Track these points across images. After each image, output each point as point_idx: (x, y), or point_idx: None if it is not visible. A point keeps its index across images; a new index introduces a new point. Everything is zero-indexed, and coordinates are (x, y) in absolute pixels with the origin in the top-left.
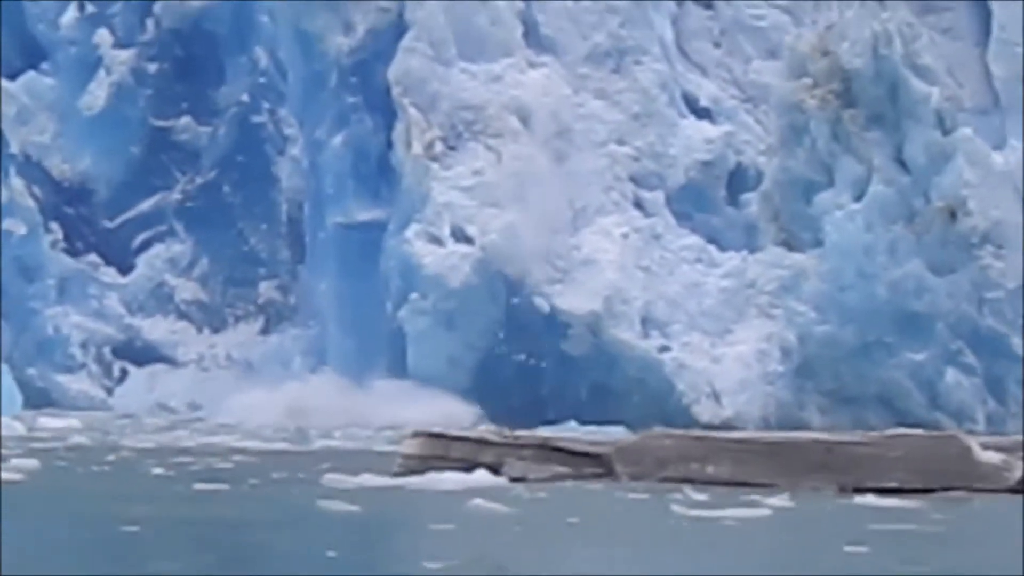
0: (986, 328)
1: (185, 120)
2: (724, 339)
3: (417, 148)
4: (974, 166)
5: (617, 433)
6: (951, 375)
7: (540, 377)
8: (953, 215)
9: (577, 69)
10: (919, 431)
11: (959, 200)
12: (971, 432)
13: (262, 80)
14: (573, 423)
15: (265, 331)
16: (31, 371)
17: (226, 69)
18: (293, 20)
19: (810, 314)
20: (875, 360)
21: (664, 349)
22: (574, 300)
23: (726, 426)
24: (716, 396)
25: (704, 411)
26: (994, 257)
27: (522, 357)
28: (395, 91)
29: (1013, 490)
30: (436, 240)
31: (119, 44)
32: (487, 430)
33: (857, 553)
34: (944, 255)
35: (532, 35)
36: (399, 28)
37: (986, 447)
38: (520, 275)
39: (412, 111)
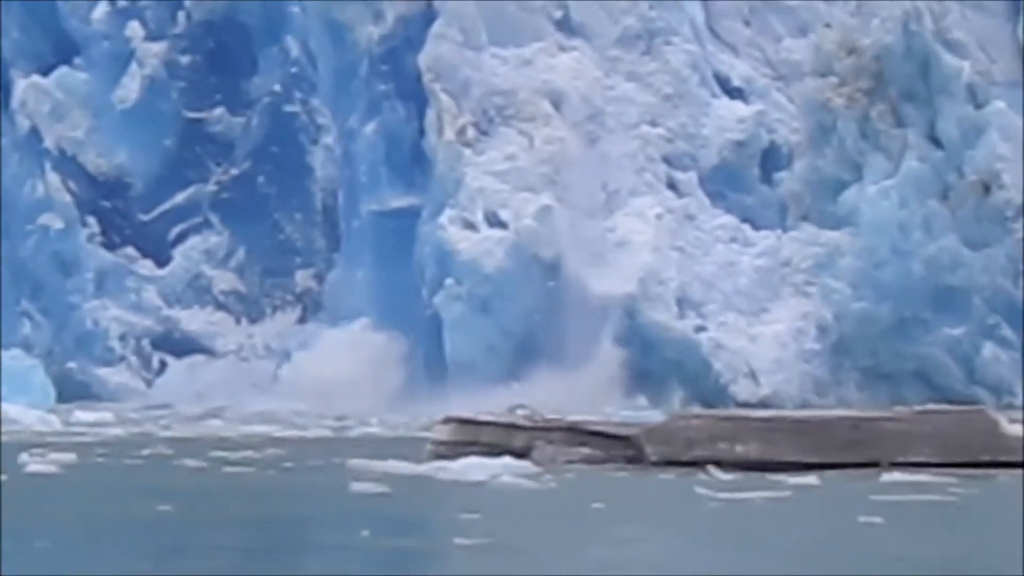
0: (1023, 302)
1: (218, 112)
2: (760, 318)
3: (449, 134)
4: (1007, 140)
5: (655, 416)
6: (988, 349)
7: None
8: (987, 189)
9: (608, 52)
10: (947, 406)
11: (993, 174)
12: (1010, 406)
13: (294, 70)
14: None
15: (302, 320)
16: (71, 365)
17: (258, 60)
18: (323, 10)
19: (846, 291)
20: (912, 336)
21: (700, 329)
22: (610, 283)
23: (763, 405)
24: (753, 375)
25: (741, 390)
26: None
27: (559, 341)
28: (426, 78)
29: None
30: (470, 225)
31: (151, 37)
32: (517, 414)
33: (870, 523)
34: (979, 229)
35: (563, 19)
36: (429, 15)
37: (1013, 421)
38: (555, 259)
39: (444, 97)
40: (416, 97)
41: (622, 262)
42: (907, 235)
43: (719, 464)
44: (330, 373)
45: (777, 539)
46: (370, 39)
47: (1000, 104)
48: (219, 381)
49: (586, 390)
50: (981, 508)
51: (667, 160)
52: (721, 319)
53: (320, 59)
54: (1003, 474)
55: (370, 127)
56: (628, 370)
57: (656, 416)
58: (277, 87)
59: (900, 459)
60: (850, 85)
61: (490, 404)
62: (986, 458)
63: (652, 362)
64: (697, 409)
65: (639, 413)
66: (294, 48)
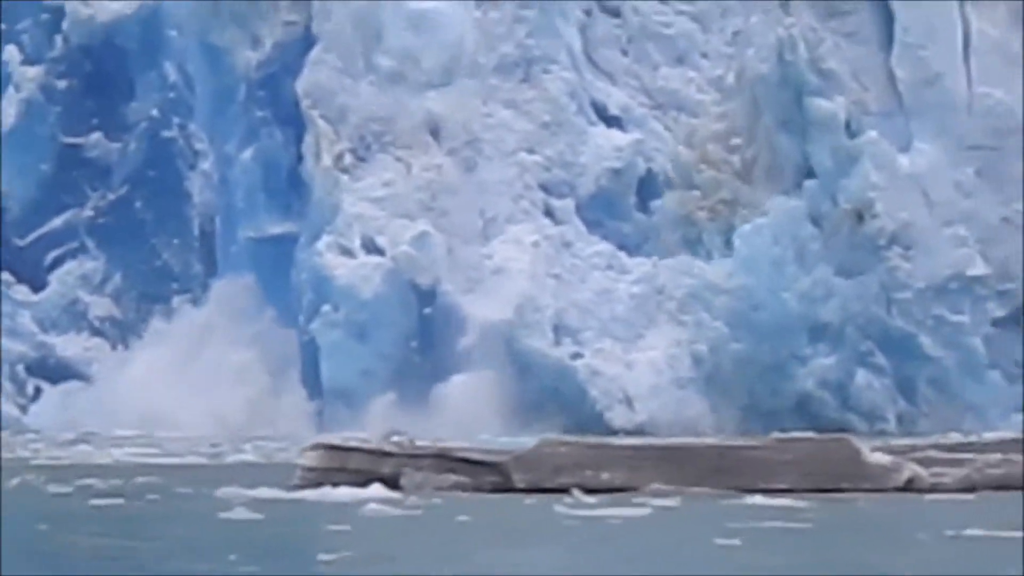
0: (895, 329)
1: (95, 136)
2: (636, 345)
3: (327, 160)
4: (880, 169)
5: (530, 442)
6: (861, 376)
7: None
8: (860, 217)
9: (486, 80)
10: (810, 434)
11: (866, 203)
12: (883, 432)
13: (172, 95)
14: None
15: (180, 346)
16: None
17: (136, 84)
18: (201, 35)
19: (722, 329)
20: (787, 371)
21: (576, 356)
22: (486, 309)
23: (639, 431)
24: (629, 402)
25: (617, 417)
26: (902, 258)
27: (436, 367)
28: (304, 104)
29: (902, 489)
30: (347, 252)
31: (28, 61)
32: (385, 441)
33: (728, 546)
34: (852, 257)
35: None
36: (307, 41)
37: (875, 449)
38: (432, 285)
39: (321, 123)
40: (294, 123)
41: (499, 289)
42: (781, 270)
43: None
44: (206, 398)
45: (630, 556)
46: (248, 64)
47: (873, 134)
48: (94, 407)
49: (463, 416)
50: (835, 532)
51: (544, 187)
52: (597, 346)
53: (198, 84)
54: (862, 499)
55: (247, 153)
56: (505, 396)
57: (531, 442)
58: (155, 112)
59: (762, 487)
60: (711, 198)
61: (366, 430)
62: (848, 486)
63: (529, 388)
64: (564, 436)
65: (515, 439)
66: (172, 73)
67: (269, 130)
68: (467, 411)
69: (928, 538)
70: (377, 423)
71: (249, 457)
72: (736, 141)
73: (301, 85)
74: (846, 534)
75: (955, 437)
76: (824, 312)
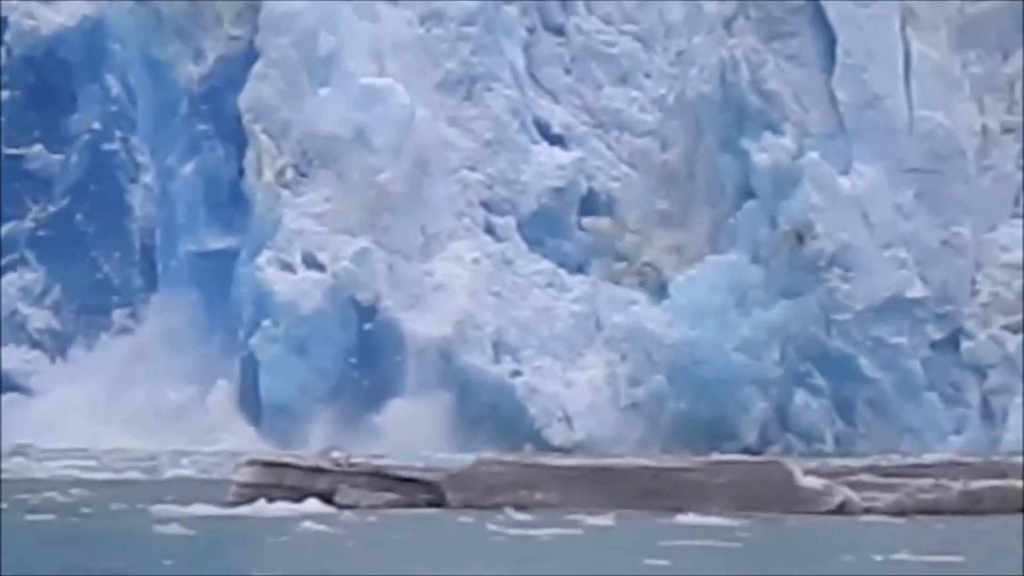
0: (834, 350)
1: (37, 148)
2: (575, 363)
3: (268, 175)
4: (821, 190)
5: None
6: (800, 397)
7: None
8: (800, 239)
9: (429, 96)
10: (744, 457)
11: (806, 224)
12: (820, 453)
13: (114, 108)
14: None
15: (119, 359)
16: None
17: (78, 97)
18: (143, 48)
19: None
20: (726, 382)
21: (516, 374)
22: (427, 326)
23: (578, 449)
24: (568, 420)
25: (556, 435)
26: (842, 280)
27: (375, 383)
28: (246, 118)
29: (834, 512)
30: (288, 267)
31: None
32: (320, 458)
33: (657, 566)
34: (792, 278)
35: (382, 62)
36: (250, 56)
37: (808, 472)
38: (372, 301)
39: (263, 138)
40: (236, 138)
41: (439, 305)
42: (723, 317)
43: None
44: (143, 412)
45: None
46: (190, 78)
47: (814, 155)
48: (33, 420)
49: (401, 433)
50: (765, 553)
51: (486, 205)
52: (537, 363)
53: (140, 97)
54: (794, 519)
55: (189, 167)
56: (444, 413)
57: (469, 460)
58: (97, 124)
59: (695, 510)
60: (636, 263)
61: (304, 446)
62: (780, 509)
63: (468, 406)
64: (499, 456)
65: (453, 456)
66: (114, 86)
67: (211, 144)
68: (406, 428)
69: (856, 560)
70: (316, 439)
71: (187, 472)
72: (676, 162)
73: (243, 100)
74: (775, 555)
75: (894, 458)
76: (761, 333)
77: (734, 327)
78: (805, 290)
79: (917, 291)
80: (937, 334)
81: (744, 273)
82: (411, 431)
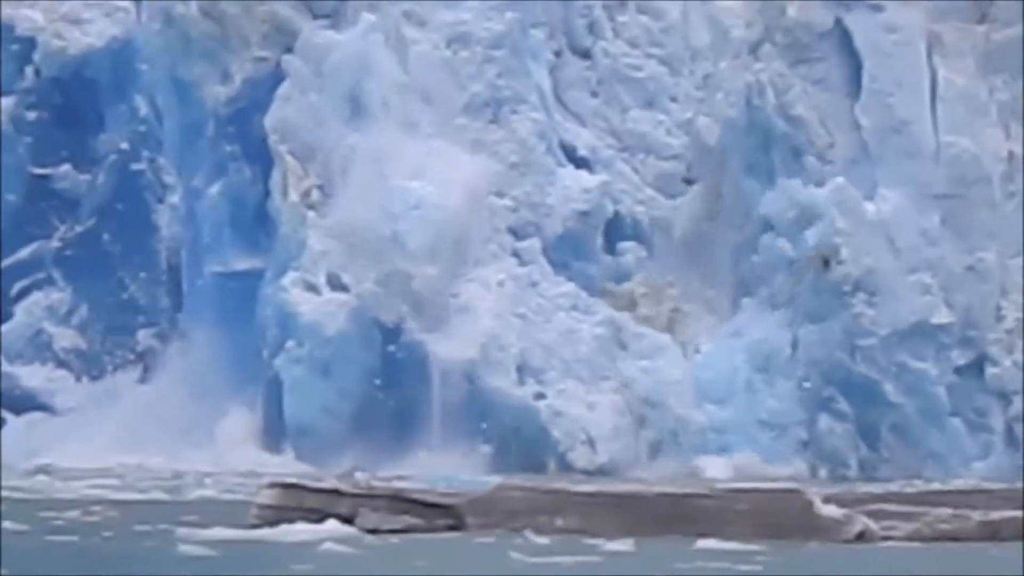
0: (858, 375)
1: (64, 168)
2: (599, 386)
3: (294, 196)
4: (846, 215)
5: (493, 480)
6: (824, 422)
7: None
8: (826, 263)
9: (455, 120)
10: (764, 484)
11: (832, 248)
12: (844, 478)
13: (142, 128)
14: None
15: (144, 380)
16: None
17: (106, 117)
18: (170, 68)
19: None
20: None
21: (540, 396)
22: (451, 347)
23: (600, 472)
24: (591, 443)
25: (579, 458)
26: (867, 305)
27: (399, 405)
28: (272, 139)
29: (851, 541)
30: (312, 288)
31: None
32: (341, 480)
33: None
34: (817, 303)
35: (412, 87)
36: (276, 77)
37: (827, 500)
38: (396, 323)
39: (288, 159)
40: (262, 159)
41: (464, 327)
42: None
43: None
44: (169, 433)
45: None
46: (217, 99)
47: (839, 180)
48: (58, 439)
49: (425, 454)
50: (785, 571)
51: (512, 229)
52: (560, 386)
53: (166, 118)
54: (813, 544)
55: (215, 188)
56: (467, 435)
57: (494, 481)
58: (124, 144)
59: (715, 537)
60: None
61: (329, 467)
62: (799, 538)
63: (491, 428)
64: (520, 481)
65: (477, 479)
66: (142, 106)
67: (237, 165)
68: (429, 449)
69: None
70: (340, 460)
71: (210, 492)
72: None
73: (269, 120)
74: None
75: (918, 483)
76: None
77: (761, 401)
78: (829, 315)
79: (942, 317)
80: (961, 360)
81: (772, 336)
82: (435, 452)
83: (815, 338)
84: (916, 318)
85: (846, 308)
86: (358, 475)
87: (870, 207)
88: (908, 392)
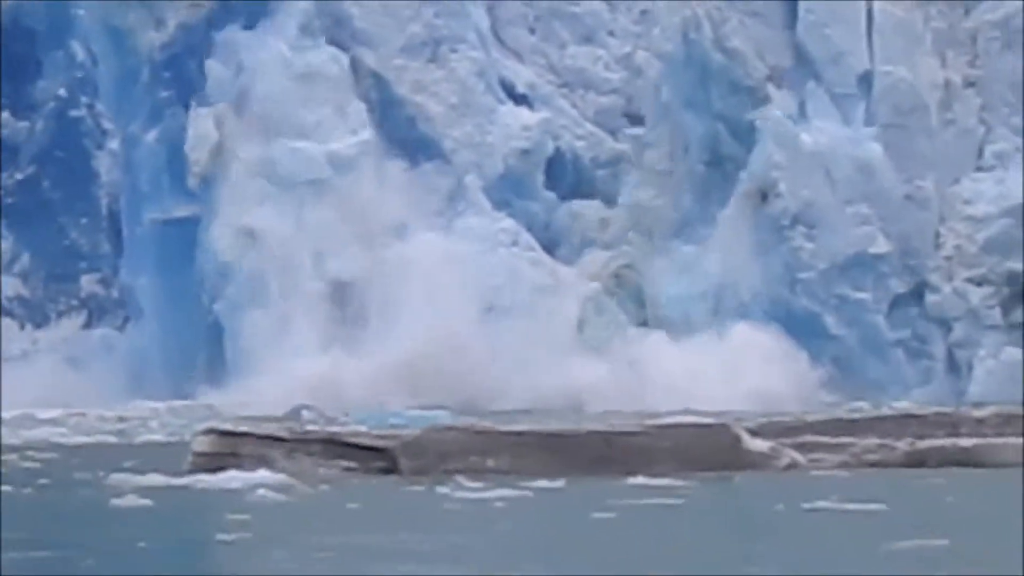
0: (799, 308)
1: (3, 116)
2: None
3: (230, 141)
4: (783, 148)
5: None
6: None
7: None
8: (764, 197)
9: (393, 61)
10: (692, 419)
11: (769, 182)
12: (785, 411)
13: (79, 75)
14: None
15: (88, 325)
16: None
17: (43, 64)
18: (105, 16)
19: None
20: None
21: None
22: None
23: (541, 407)
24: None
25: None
26: (805, 238)
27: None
28: (210, 84)
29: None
30: (249, 234)
31: None
32: (276, 426)
33: (603, 519)
34: (757, 237)
35: (346, 26)
36: (210, 23)
37: (755, 433)
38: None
39: (220, 105)
40: (199, 104)
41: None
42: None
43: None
44: (116, 378)
45: (507, 534)
46: (152, 46)
47: (776, 113)
48: (3, 386)
49: (365, 388)
50: (704, 507)
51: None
52: None
53: (102, 65)
54: (740, 476)
55: (152, 134)
56: (403, 367)
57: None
58: (62, 91)
59: (645, 473)
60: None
61: (271, 406)
62: (728, 472)
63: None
64: (451, 422)
65: (421, 413)
66: (79, 52)
67: (173, 111)
68: (368, 379)
69: (785, 509)
70: (282, 398)
71: (155, 436)
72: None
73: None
74: (714, 508)
75: (861, 405)
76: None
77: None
78: (769, 249)
79: (880, 247)
80: (901, 288)
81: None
82: (373, 383)
83: (756, 272)
84: (854, 249)
85: (785, 242)
86: (304, 413)
87: (807, 140)
88: (848, 323)
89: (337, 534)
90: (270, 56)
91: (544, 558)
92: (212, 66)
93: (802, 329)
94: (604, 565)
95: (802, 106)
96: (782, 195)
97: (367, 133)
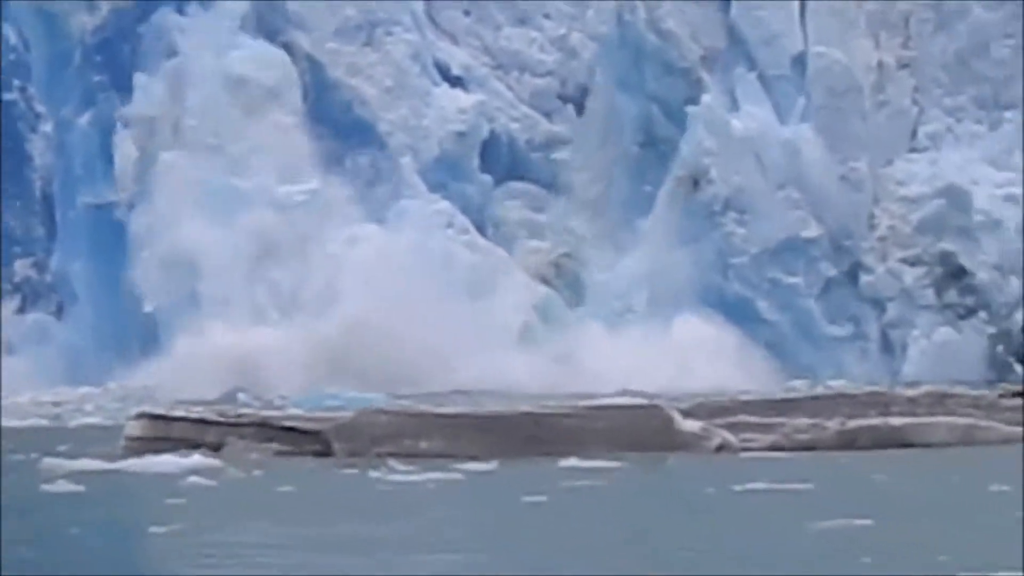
0: (732, 294)
1: None
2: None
3: (161, 123)
4: (714, 134)
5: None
6: None
7: None
8: (696, 183)
9: (326, 44)
10: (625, 401)
11: (701, 169)
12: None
13: (12, 57)
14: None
15: (22, 310)
16: None
17: None
18: None
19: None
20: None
21: None
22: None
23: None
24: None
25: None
26: (737, 224)
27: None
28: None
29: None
30: (174, 216)
31: None
32: (209, 410)
33: (533, 503)
34: (688, 224)
35: (280, 9)
36: (142, 7)
37: (687, 414)
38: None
39: (157, 84)
40: (130, 88)
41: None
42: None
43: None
44: (51, 363)
45: (437, 518)
46: (83, 29)
47: (706, 98)
48: None
49: (293, 376)
50: (635, 488)
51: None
52: None
53: (34, 48)
54: (672, 457)
55: (84, 118)
56: (333, 351)
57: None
58: None
59: (577, 454)
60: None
61: (206, 389)
62: (660, 453)
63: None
64: (384, 406)
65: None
66: (12, 35)
67: (106, 96)
68: (296, 368)
69: (715, 492)
70: (219, 383)
71: (91, 419)
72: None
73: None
74: (644, 489)
75: (796, 384)
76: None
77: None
78: (701, 235)
79: (812, 230)
80: (832, 271)
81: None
82: (298, 371)
83: (688, 259)
84: (786, 234)
85: (717, 228)
86: (240, 396)
87: (737, 126)
88: (781, 308)
89: (264, 521)
90: (202, 41)
91: (474, 543)
92: (139, 78)
93: (735, 314)
94: (534, 549)
95: (732, 92)
96: (714, 181)
97: (302, 115)
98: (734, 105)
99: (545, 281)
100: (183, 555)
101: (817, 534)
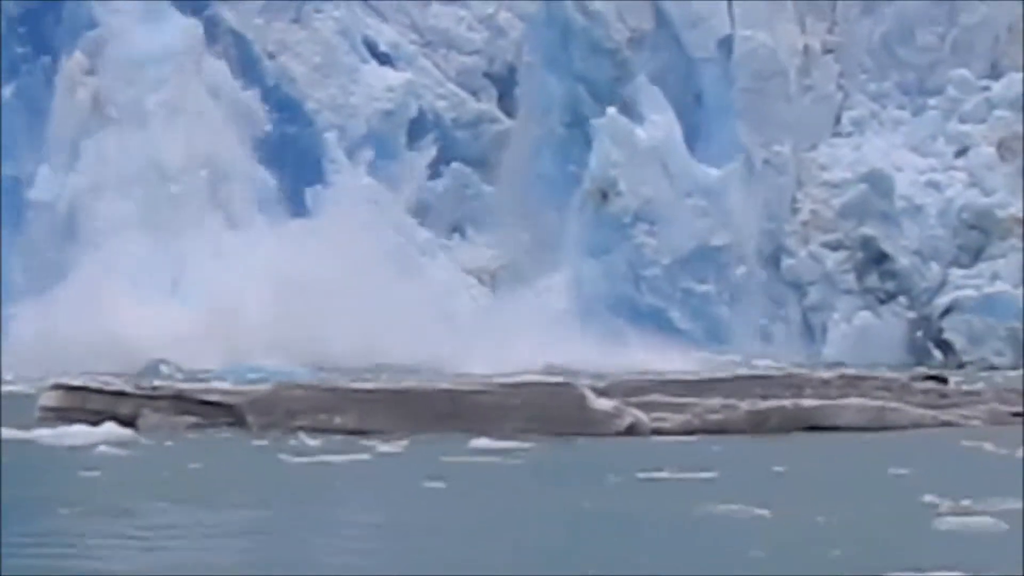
0: (645, 305)
1: None
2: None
3: (83, 95)
4: (620, 146)
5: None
6: None
7: None
8: (605, 196)
9: (253, 20)
10: (539, 378)
11: (609, 181)
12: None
13: None
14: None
15: None
16: None
17: None
18: None
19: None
20: None
21: None
22: None
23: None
24: None
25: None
26: (647, 235)
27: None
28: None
29: (623, 433)
30: (99, 189)
31: None
32: (124, 382)
33: (432, 488)
34: (599, 236)
35: None
36: None
37: (601, 393)
38: None
39: (77, 55)
40: (55, 60)
41: None
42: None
43: (317, 432)
44: None
45: (336, 502)
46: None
47: (611, 110)
48: None
49: (225, 340)
50: (540, 472)
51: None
52: None
53: None
54: (583, 439)
55: (8, 90)
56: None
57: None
58: None
59: (492, 431)
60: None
61: (136, 361)
62: (573, 430)
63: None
64: (299, 380)
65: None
66: None
67: (30, 68)
68: (229, 340)
69: (619, 479)
70: (145, 354)
71: (17, 388)
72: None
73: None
74: (549, 474)
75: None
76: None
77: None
78: (612, 248)
79: (721, 238)
80: (742, 280)
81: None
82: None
83: (599, 271)
84: (696, 242)
85: (627, 240)
86: (162, 368)
87: (642, 136)
88: (694, 316)
89: (165, 496)
90: (124, 14)
91: (365, 528)
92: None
93: (649, 325)
94: (422, 535)
95: (634, 104)
96: (622, 193)
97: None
98: (655, 101)
99: (470, 270)
100: (84, 524)
101: (703, 519)
